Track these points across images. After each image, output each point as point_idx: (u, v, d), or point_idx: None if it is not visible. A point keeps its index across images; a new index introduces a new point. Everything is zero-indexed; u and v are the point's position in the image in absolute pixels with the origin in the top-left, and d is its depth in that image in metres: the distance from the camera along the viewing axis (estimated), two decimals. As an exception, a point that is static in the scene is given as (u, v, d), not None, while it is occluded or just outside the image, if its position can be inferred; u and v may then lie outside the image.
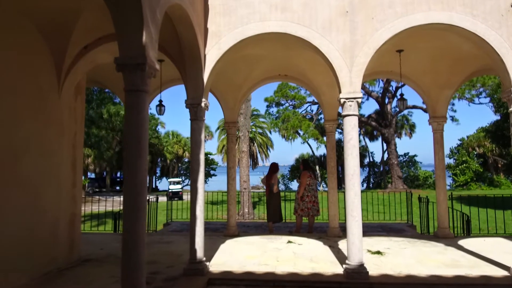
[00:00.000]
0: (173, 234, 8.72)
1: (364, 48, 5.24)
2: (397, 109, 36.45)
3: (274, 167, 9.02)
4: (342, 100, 5.21)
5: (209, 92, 8.47)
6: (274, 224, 8.93)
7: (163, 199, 19.13)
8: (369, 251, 6.50)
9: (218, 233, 8.99)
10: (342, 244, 7.11)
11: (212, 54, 5.49)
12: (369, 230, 8.98)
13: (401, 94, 7.12)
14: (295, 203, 8.79)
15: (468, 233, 8.99)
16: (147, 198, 9.86)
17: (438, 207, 7.93)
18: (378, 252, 6.46)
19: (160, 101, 7.31)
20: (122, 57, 3.43)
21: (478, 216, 12.24)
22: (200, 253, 5.36)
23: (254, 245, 7.16)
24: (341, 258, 6.14)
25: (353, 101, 5.18)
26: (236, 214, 8.38)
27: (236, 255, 6.42)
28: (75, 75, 6.03)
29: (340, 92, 5.27)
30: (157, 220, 10.01)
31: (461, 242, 7.25)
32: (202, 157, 5.41)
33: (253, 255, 6.44)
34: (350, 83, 5.22)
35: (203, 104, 5.42)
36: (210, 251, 6.55)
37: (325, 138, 36.25)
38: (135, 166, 3.33)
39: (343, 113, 5.24)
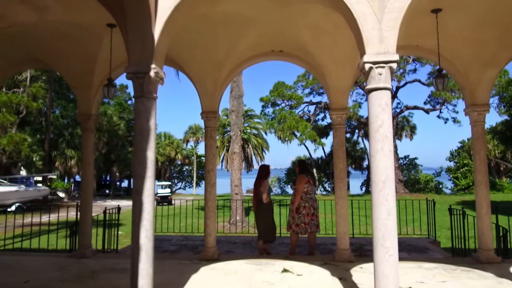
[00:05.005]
0: (136, 256, 6.79)
1: (401, -14, 3.39)
2: (396, 110, 34.77)
3: (264, 170, 6.98)
4: (366, 66, 3.35)
5: (184, 74, 6.63)
6: (266, 243, 6.98)
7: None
8: None
9: (194, 254, 7.10)
10: (357, 275, 5.23)
11: (168, -3, 3.60)
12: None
13: (440, 70, 5.28)
14: (289, 216, 6.87)
15: (505, 251, 7.13)
16: (105, 208, 7.99)
17: (479, 223, 6.08)
18: (411, 291, 4.60)
19: (109, 79, 5.37)
20: None
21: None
22: (146, 302, 3.46)
23: (237, 276, 5.25)
24: (359, 300, 4.28)
25: (384, 66, 3.32)
26: (215, 231, 6.46)
27: (210, 295, 4.54)
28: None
29: (363, 53, 3.41)
30: (119, 235, 8.05)
31: (515, 271, 5.41)
32: (150, 156, 3.52)
33: (233, 294, 4.55)
34: (380, 39, 3.36)
35: (152, 73, 3.53)
36: (175, 287, 4.67)
37: (323, 139, 34.82)
38: None
39: (368, 86, 3.38)
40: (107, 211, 7.41)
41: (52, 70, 8.17)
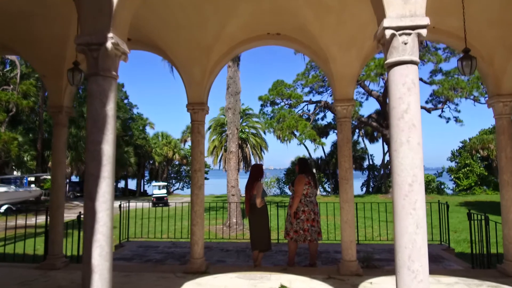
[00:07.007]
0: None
1: None
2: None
3: (256, 170, 6.08)
4: (387, 32, 2.57)
5: (168, 61, 5.87)
6: (261, 253, 6.11)
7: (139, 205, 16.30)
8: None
9: (180, 264, 6.34)
10: (366, 293, 4.46)
11: None
12: (393, 257, 6.31)
13: (466, 50, 4.48)
14: (287, 222, 6.08)
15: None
16: (79, 213, 7.18)
17: (506, 229, 5.30)
18: (434, 315, 3.82)
19: (75, 62, 4.57)
20: None
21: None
22: None
23: (225, 295, 4.48)
24: (372, 328, 3.50)
25: (410, 33, 2.55)
26: (203, 239, 5.69)
27: (191, 320, 3.75)
28: None
29: (382, 17, 2.63)
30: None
31: (551, 287, 4.63)
32: (107, 150, 2.73)
33: (219, 319, 3.77)
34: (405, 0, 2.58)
35: (110, 44, 2.75)
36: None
37: (323, 139, 34.05)
38: None
39: (389, 60, 2.60)
40: (82, 216, 6.59)
41: (19, 56, 7.39)
